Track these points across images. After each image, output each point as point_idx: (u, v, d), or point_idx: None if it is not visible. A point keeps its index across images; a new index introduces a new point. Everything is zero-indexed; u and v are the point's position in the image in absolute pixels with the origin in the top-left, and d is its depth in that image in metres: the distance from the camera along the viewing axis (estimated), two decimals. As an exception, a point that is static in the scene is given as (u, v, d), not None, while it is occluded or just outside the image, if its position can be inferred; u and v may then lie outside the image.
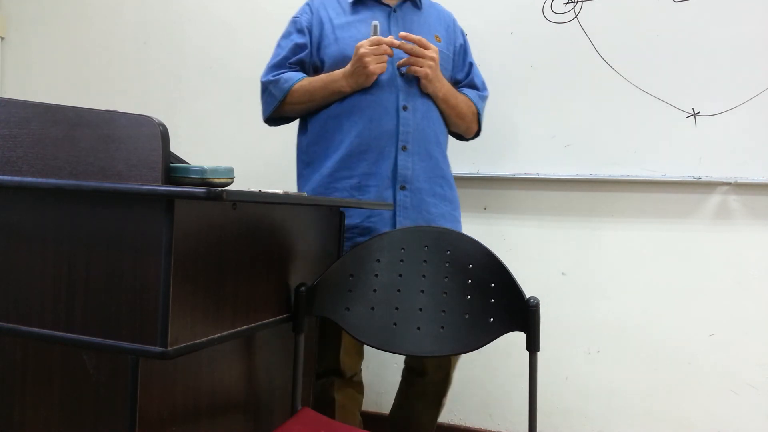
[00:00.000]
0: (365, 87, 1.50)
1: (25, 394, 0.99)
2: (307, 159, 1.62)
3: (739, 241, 1.82)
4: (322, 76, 1.54)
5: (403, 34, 1.48)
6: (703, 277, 1.84)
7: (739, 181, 1.78)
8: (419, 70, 1.49)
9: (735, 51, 1.78)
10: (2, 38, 2.65)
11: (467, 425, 2.06)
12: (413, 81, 1.54)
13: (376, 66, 1.45)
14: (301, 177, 1.64)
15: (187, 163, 0.93)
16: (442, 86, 1.56)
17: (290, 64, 1.60)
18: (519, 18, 1.97)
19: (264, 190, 1.07)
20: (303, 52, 1.59)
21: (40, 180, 0.93)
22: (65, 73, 2.57)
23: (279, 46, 1.63)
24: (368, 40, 1.45)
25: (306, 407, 1.27)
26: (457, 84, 1.69)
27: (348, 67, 1.48)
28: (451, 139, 1.73)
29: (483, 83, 1.73)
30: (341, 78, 1.50)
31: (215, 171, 0.93)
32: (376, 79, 1.49)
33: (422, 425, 1.68)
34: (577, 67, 1.92)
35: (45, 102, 0.97)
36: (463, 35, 1.73)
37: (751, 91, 1.77)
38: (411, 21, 1.61)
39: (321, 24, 1.59)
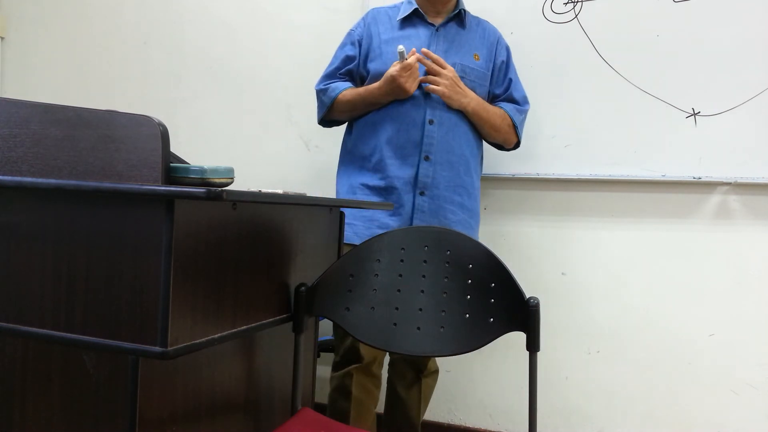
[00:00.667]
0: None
1: (25, 394, 0.98)
2: (349, 157, 1.76)
3: (739, 241, 1.82)
4: (361, 90, 1.69)
5: (424, 50, 1.61)
6: (703, 277, 1.84)
7: (739, 181, 1.78)
8: (435, 89, 1.61)
9: (735, 51, 1.78)
10: (2, 38, 2.65)
11: (467, 425, 2.06)
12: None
13: (412, 84, 1.60)
14: (341, 171, 1.78)
15: (187, 163, 0.93)
16: (470, 101, 1.66)
17: (340, 74, 1.76)
18: (519, 18, 1.97)
19: (264, 190, 1.07)
20: (352, 63, 1.75)
21: (40, 180, 0.93)
22: (65, 73, 2.57)
23: (334, 55, 1.80)
24: (398, 65, 1.57)
25: (306, 407, 1.27)
26: (495, 98, 1.78)
27: (383, 87, 1.62)
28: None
29: (524, 97, 1.80)
30: (378, 95, 1.64)
31: (215, 171, 0.93)
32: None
33: (410, 411, 1.78)
34: (577, 67, 1.92)
35: (45, 102, 0.97)
36: (507, 52, 1.81)
37: (751, 91, 1.77)
38: (452, 40, 1.72)
39: (370, 38, 1.74)
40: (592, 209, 1.95)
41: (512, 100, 1.79)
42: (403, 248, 1.28)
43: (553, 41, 1.94)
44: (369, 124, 1.70)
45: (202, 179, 0.91)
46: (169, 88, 2.43)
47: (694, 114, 1.82)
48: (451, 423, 2.07)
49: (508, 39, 1.88)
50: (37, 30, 2.62)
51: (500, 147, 1.83)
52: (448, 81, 1.62)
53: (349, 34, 1.78)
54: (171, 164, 0.91)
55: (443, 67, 1.62)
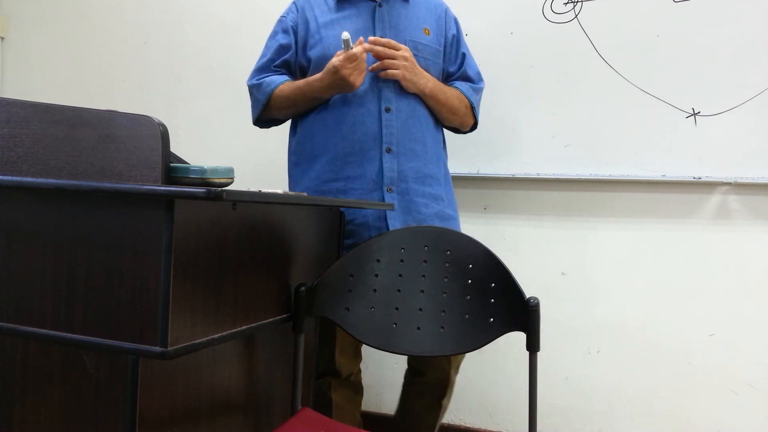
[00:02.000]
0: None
1: (25, 394, 0.98)
2: (296, 160, 1.62)
3: (739, 241, 1.81)
4: (300, 83, 1.52)
5: (371, 38, 1.46)
6: (703, 277, 1.84)
7: (739, 181, 1.78)
8: (394, 73, 1.47)
9: (735, 51, 1.78)
10: (2, 38, 2.65)
11: (467, 425, 2.06)
12: (395, 82, 1.51)
13: (358, 77, 1.43)
14: (291, 178, 1.64)
15: (187, 163, 0.93)
16: (427, 83, 1.52)
17: (275, 66, 1.59)
18: (519, 18, 1.97)
19: (264, 190, 1.07)
20: (287, 53, 1.59)
21: (40, 180, 0.93)
22: (65, 73, 2.57)
23: (265, 46, 1.63)
24: (342, 55, 1.42)
25: (306, 407, 1.27)
26: (450, 77, 1.65)
27: (325, 79, 1.46)
28: (451, 138, 1.73)
29: (478, 74, 1.68)
30: (320, 88, 1.48)
31: (215, 171, 0.93)
32: None
33: (422, 426, 1.67)
34: (577, 67, 1.92)
35: (45, 102, 0.97)
36: (457, 24, 1.67)
37: (751, 91, 1.77)
38: (398, 15, 1.57)
39: (306, 23, 1.58)
40: (592, 209, 1.95)
41: (467, 78, 1.65)
42: (403, 248, 1.28)
43: (553, 41, 1.94)
44: (318, 120, 1.54)
45: (202, 179, 0.91)
46: (169, 88, 2.43)
47: (694, 114, 1.82)
48: (451, 423, 2.07)
49: (508, 39, 1.88)
50: (37, 30, 2.62)
51: (456, 130, 1.71)
52: (406, 62, 1.47)
53: (280, 21, 1.61)
54: (171, 164, 0.91)
55: (397, 49, 1.47)
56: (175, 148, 0.93)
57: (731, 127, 1.78)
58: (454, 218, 1.62)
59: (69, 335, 0.92)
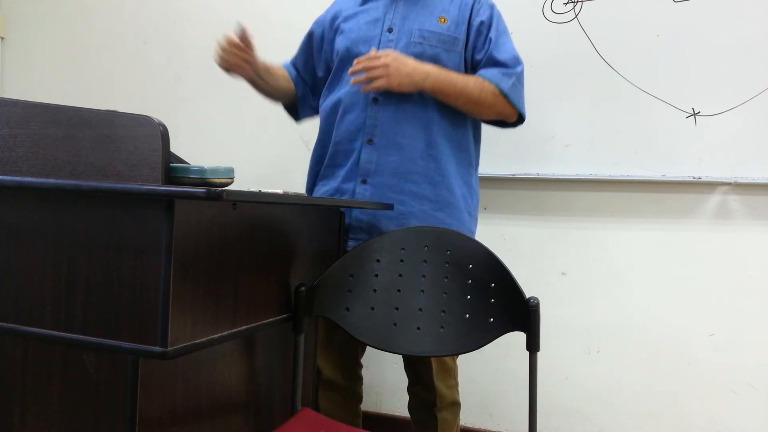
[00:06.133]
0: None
1: (25, 394, 0.98)
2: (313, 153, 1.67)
3: (739, 241, 1.81)
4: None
5: (355, 61, 1.43)
6: (703, 277, 1.84)
7: (739, 181, 1.78)
8: (378, 84, 1.42)
9: (735, 51, 1.78)
10: (2, 38, 2.65)
11: (467, 425, 2.06)
12: None
13: (219, 59, 1.61)
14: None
15: (187, 163, 0.93)
16: (425, 78, 1.44)
17: (292, 62, 1.74)
18: (519, 18, 1.96)
19: (264, 190, 1.07)
20: (303, 53, 1.73)
21: (40, 180, 0.93)
22: (65, 73, 2.57)
23: None
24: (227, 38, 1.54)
25: (306, 407, 1.27)
26: (478, 65, 1.55)
27: None
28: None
29: (513, 58, 1.52)
30: None
31: (215, 171, 0.93)
32: None
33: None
34: (577, 67, 1.91)
35: (45, 102, 0.97)
36: (491, 11, 1.55)
37: (751, 91, 1.77)
38: (413, 4, 1.54)
39: (334, 18, 1.63)
40: (592, 209, 1.95)
41: (495, 63, 1.51)
42: (403, 248, 1.28)
43: (553, 41, 1.94)
44: (324, 111, 1.61)
45: (202, 179, 0.91)
46: (169, 88, 2.43)
47: (694, 114, 1.82)
48: (451, 423, 2.07)
49: (508, 39, 1.86)
50: (37, 30, 2.62)
51: (501, 124, 1.60)
52: (388, 67, 1.40)
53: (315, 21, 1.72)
54: (171, 164, 0.91)
55: (376, 58, 1.41)
56: (175, 148, 0.93)
57: (731, 127, 1.78)
58: (443, 222, 1.51)
59: (69, 335, 0.92)
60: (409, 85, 1.44)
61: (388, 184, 1.48)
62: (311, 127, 2.24)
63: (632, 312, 1.90)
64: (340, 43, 1.58)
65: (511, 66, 1.51)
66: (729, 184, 1.81)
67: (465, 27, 1.53)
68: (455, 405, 1.58)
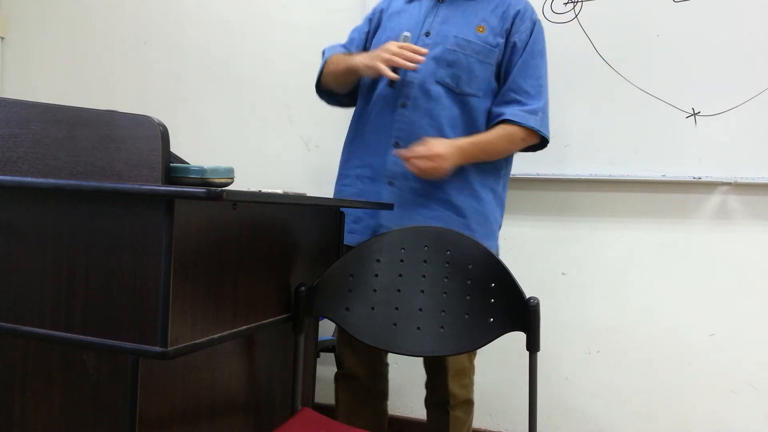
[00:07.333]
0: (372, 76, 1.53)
1: (25, 394, 0.98)
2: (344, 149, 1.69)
3: (739, 241, 1.81)
4: (347, 53, 1.61)
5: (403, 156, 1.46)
6: (703, 277, 1.84)
7: (739, 181, 1.78)
8: (426, 176, 1.47)
9: (735, 51, 1.78)
10: (2, 38, 2.65)
11: (467, 425, 2.06)
12: (418, 82, 1.51)
13: (380, 64, 1.42)
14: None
15: (187, 163, 0.93)
16: (457, 158, 1.46)
17: (343, 46, 1.71)
18: (519, 18, 1.96)
19: (264, 190, 1.07)
20: (357, 39, 1.68)
21: (40, 180, 0.93)
22: (65, 73, 2.57)
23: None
24: (399, 43, 1.44)
25: (306, 407, 1.27)
26: (505, 83, 1.55)
27: (369, 52, 1.52)
28: None
29: (535, 89, 1.52)
30: (358, 56, 1.53)
31: (215, 171, 0.93)
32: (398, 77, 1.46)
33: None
34: (577, 67, 1.92)
35: (45, 102, 0.97)
36: (532, 31, 1.53)
37: (751, 91, 1.77)
38: (454, 11, 1.54)
39: (382, 12, 1.66)
40: (592, 209, 1.95)
41: (518, 90, 1.51)
42: (403, 248, 1.28)
43: (553, 41, 1.93)
44: (357, 108, 1.64)
45: (202, 179, 0.91)
46: (169, 88, 2.43)
47: (694, 114, 1.82)
48: (451, 423, 2.06)
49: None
50: (37, 30, 2.62)
51: (531, 149, 1.61)
52: (431, 171, 1.44)
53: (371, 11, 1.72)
54: (171, 164, 0.91)
55: (423, 153, 1.43)
56: (175, 148, 0.93)
57: (731, 127, 1.78)
58: (475, 232, 1.50)
59: (69, 335, 0.92)
60: (451, 171, 1.47)
61: (414, 187, 1.51)
62: (311, 127, 2.25)
63: (632, 312, 1.90)
64: (379, 39, 1.60)
65: (534, 96, 1.52)
66: (729, 184, 1.81)
67: (503, 40, 1.53)
68: (468, 403, 1.60)
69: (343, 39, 1.74)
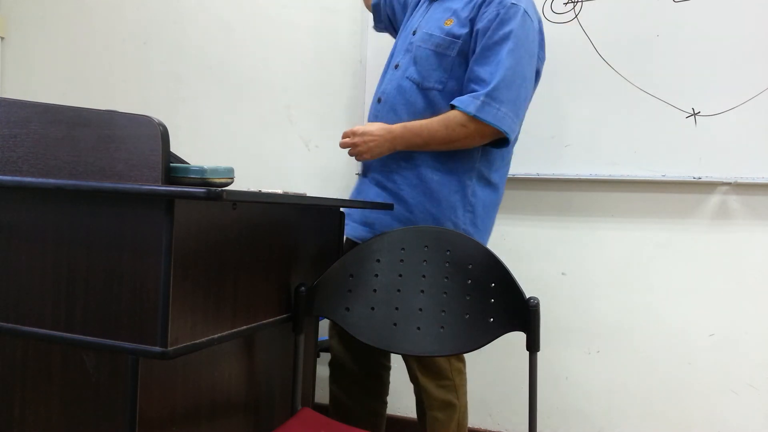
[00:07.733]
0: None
1: (25, 394, 0.98)
2: None
3: (739, 241, 1.81)
4: None
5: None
6: (703, 277, 1.84)
7: (739, 181, 1.78)
8: (361, 159, 1.53)
9: (735, 51, 1.78)
10: (2, 38, 2.65)
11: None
12: (397, 81, 1.58)
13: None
14: None
15: (187, 163, 0.93)
16: (392, 142, 1.48)
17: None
18: (519, 18, 1.96)
19: (264, 190, 1.07)
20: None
21: (40, 180, 0.93)
22: (65, 73, 2.57)
23: None
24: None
25: (306, 407, 1.27)
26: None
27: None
28: None
29: (489, 74, 1.42)
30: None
31: (215, 171, 0.93)
32: None
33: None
34: (577, 67, 1.91)
35: (45, 102, 0.97)
36: (497, 17, 1.43)
37: (751, 91, 1.77)
38: (436, 8, 1.57)
39: (405, 6, 1.77)
40: (592, 209, 1.95)
41: (476, 79, 1.44)
42: (403, 248, 1.29)
43: (553, 41, 1.93)
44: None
45: (202, 179, 0.91)
46: (169, 88, 2.43)
47: (694, 114, 1.82)
48: (451, 423, 2.06)
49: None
50: (37, 30, 2.62)
51: (497, 144, 1.51)
52: (360, 146, 1.48)
53: None
54: (171, 164, 0.91)
55: (350, 135, 1.50)
56: (175, 148, 0.93)
57: (731, 127, 1.78)
58: (439, 221, 1.48)
59: (69, 335, 0.92)
60: (386, 151, 1.50)
61: (374, 178, 1.58)
62: (311, 127, 2.24)
63: (632, 312, 1.90)
64: (399, 36, 1.69)
65: (489, 83, 1.41)
66: (729, 184, 1.81)
67: (467, 29, 1.47)
68: (450, 406, 1.53)
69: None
